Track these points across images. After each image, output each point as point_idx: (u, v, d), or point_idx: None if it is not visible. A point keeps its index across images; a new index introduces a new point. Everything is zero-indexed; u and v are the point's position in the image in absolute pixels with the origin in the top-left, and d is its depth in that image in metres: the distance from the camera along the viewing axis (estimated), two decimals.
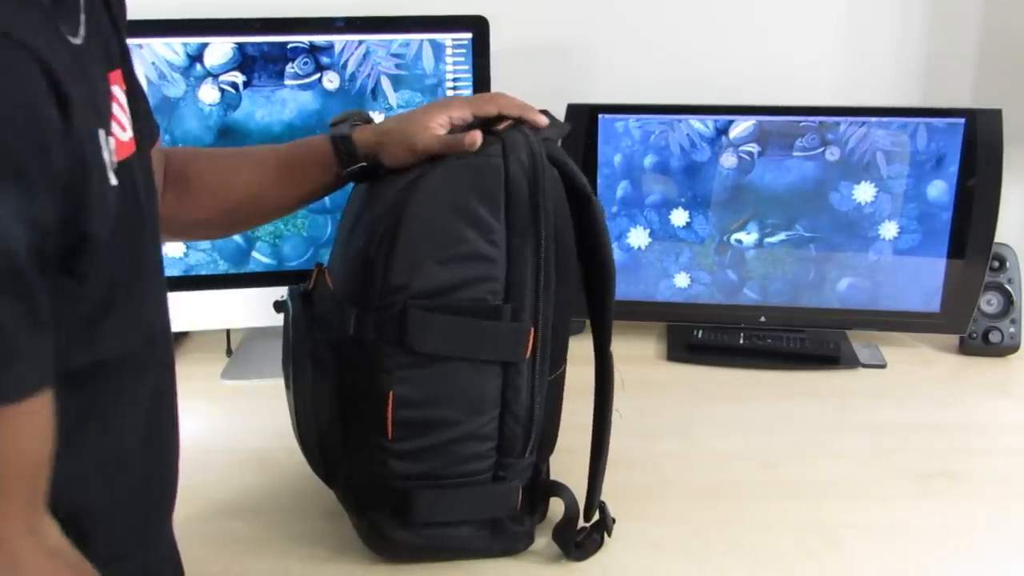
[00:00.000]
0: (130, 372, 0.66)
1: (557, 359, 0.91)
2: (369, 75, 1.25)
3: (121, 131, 0.63)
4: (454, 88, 1.27)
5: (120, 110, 0.64)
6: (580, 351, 0.94)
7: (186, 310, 1.30)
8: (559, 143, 0.90)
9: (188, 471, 1.10)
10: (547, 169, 0.84)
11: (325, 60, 1.24)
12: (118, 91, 0.65)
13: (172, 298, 1.34)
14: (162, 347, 0.74)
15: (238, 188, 0.93)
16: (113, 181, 0.59)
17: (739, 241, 1.37)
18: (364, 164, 0.90)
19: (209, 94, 1.23)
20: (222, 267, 1.29)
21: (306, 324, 0.90)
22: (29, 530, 0.55)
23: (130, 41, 1.19)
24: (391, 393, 0.85)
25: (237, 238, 1.28)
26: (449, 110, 0.87)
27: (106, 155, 0.58)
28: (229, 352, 1.39)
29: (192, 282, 1.29)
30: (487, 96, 0.89)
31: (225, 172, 0.94)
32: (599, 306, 0.90)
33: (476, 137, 0.83)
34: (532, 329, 0.85)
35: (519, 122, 0.87)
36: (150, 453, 0.72)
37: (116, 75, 0.66)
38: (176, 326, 1.35)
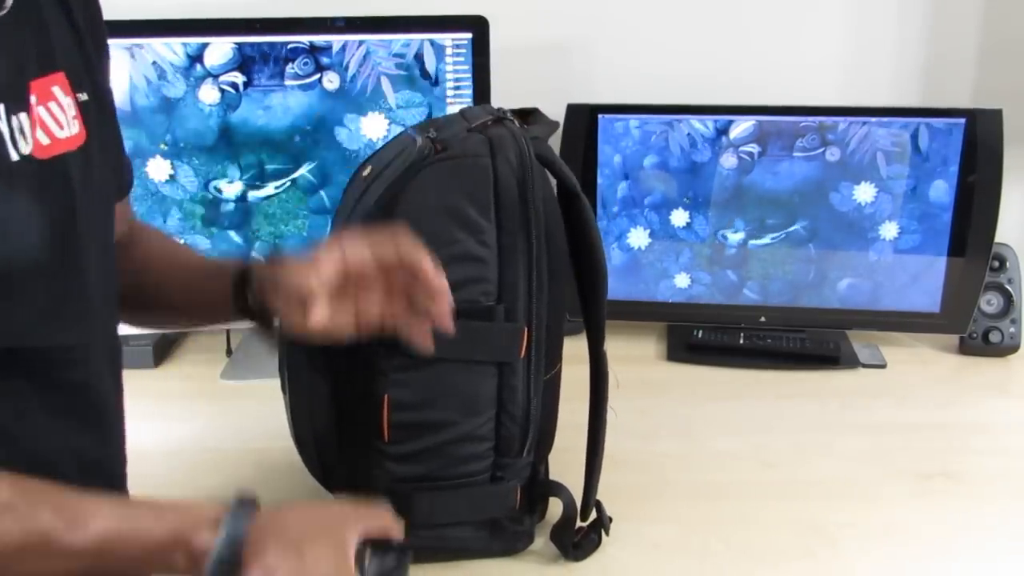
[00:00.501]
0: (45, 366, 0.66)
1: (552, 358, 0.91)
2: (369, 75, 1.25)
3: (58, 128, 0.64)
4: (453, 88, 1.27)
5: (59, 109, 0.65)
6: (577, 350, 0.94)
7: None
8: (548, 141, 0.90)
9: (188, 471, 1.11)
10: (536, 168, 0.84)
11: (325, 60, 1.24)
12: (59, 92, 0.66)
13: None
14: (83, 357, 0.70)
15: (169, 269, 0.89)
16: (13, 156, 0.61)
17: (724, 237, 1.37)
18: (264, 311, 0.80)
19: (209, 94, 1.23)
20: None
21: None
22: None
23: (130, 41, 1.20)
24: (386, 396, 0.85)
25: (237, 238, 1.28)
26: (343, 249, 0.75)
27: (3, 127, 0.60)
28: (229, 352, 1.39)
29: None
30: (386, 239, 0.76)
31: (169, 250, 0.93)
32: (592, 304, 0.90)
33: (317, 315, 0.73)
34: (526, 329, 0.85)
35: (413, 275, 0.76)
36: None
37: (56, 78, 0.66)
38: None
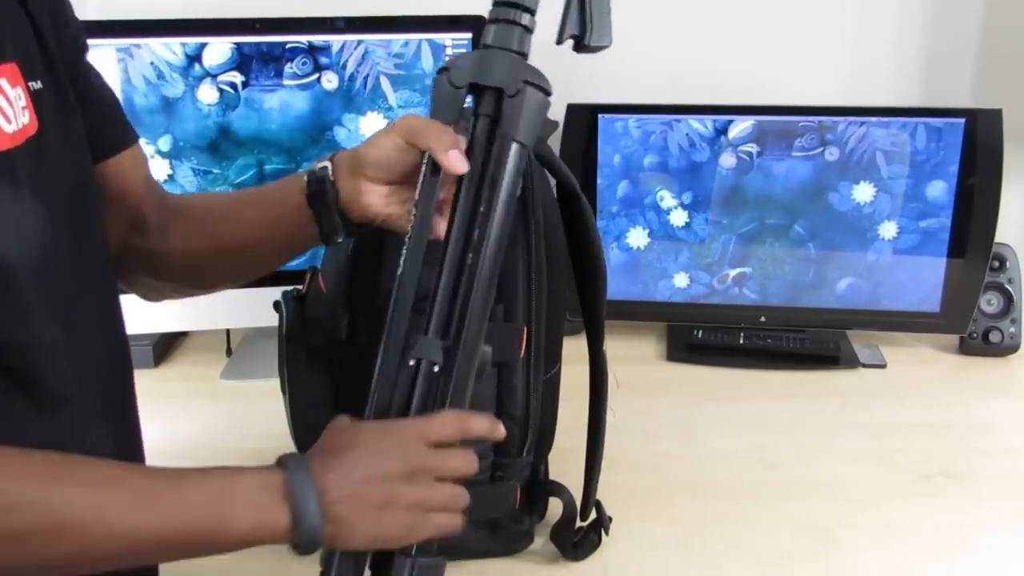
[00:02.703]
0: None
1: (552, 358, 0.91)
2: (368, 75, 1.25)
3: (5, 122, 0.62)
4: None
5: (6, 102, 0.63)
6: (576, 350, 0.94)
7: (186, 310, 1.29)
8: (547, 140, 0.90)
9: None
10: (535, 167, 0.84)
11: (324, 60, 1.24)
12: (5, 83, 0.64)
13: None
14: (48, 358, 0.66)
15: (217, 209, 0.86)
16: None
17: (724, 236, 1.37)
18: (327, 163, 0.77)
19: (208, 94, 1.23)
20: None
21: (300, 328, 0.90)
22: None
23: (128, 41, 1.20)
24: None
25: None
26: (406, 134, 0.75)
27: None
28: (229, 352, 1.39)
29: None
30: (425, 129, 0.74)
31: (209, 198, 0.93)
32: (591, 304, 0.90)
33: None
34: (525, 329, 0.85)
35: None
36: None
37: (8, 68, 0.64)
38: (176, 326, 1.37)
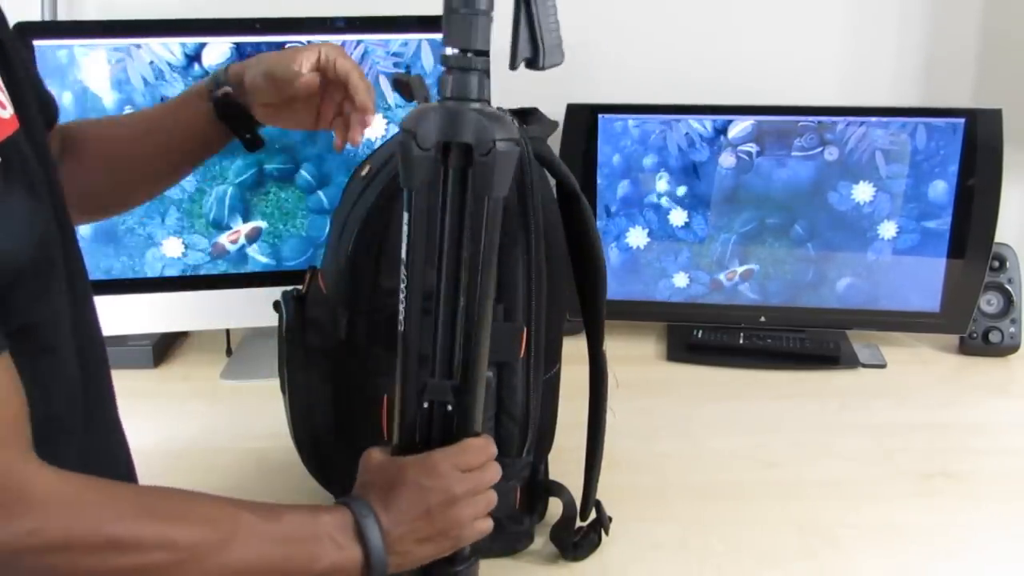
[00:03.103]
0: (48, 340, 0.66)
1: (552, 358, 0.91)
2: (367, 74, 1.25)
3: (1, 109, 0.62)
4: None
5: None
6: (576, 350, 0.94)
7: (186, 310, 1.29)
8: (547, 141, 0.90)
9: (188, 471, 1.10)
10: (535, 168, 0.84)
11: None
12: None
13: (172, 298, 1.34)
14: (80, 326, 0.71)
15: (119, 141, 0.94)
16: None
17: (723, 236, 1.37)
18: (228, 90, 0.91)
19: None
20: (221, 267, 1.29)
21: (300, 328, 0.90)
22: (28, 460, 0.58)
23: (129, 41, 1.20)
24: (385, 397, 0.85)
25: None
26: (320, 51, 0.90)
27: None
28: (229, 352, 1.39)
29: (191, 282, 1.29)
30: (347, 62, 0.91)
31: (107, 127, 0.97)
32: (591, 304, 0.90)
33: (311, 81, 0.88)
34: (525, 329, 0.85)
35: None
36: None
37: None
38: (176, 326, 1.37)
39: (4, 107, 0.62)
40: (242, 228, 1.28)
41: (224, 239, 1.28)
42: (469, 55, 0.70)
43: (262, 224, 1.29)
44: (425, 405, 0.73)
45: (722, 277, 1.39)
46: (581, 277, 0.90)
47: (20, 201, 0.61)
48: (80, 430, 0.70)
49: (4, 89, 0.64)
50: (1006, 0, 1.44)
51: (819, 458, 1.11)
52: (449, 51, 0.71)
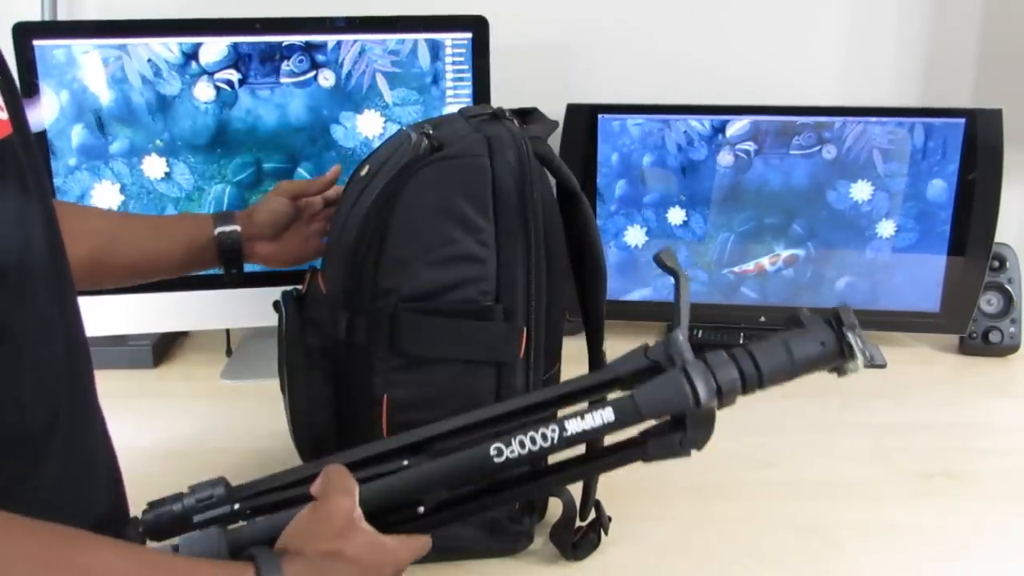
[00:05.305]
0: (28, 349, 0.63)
1: (551, 358, 0.91)
2: (364, 72, 1.25)
3: None
4: (453, 88, 1.27)
5: None
6: (576, 350, 0.93)
7: (186, 310, 1.29)
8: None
9: (188, 471, 1.10)
10: (535, 167, 0.84)
11: (320, 58, 1.24)
12: None
13: (171, 298, 1.34)
14: (60, 337, 0.68)
15: (100, 233, 0.96)
16: None
17: (722, 235, 1.37)
18: (238, 229, 1.02)
19: (205, 92, 1.23)
20: None
21: (299, 328, 0.90)
22: None
23: (129, 41, 1.20)
24: (386, 396, 0.85)
25: None
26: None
27: None
28: (229, 352, 1.39)
29: (191, 282, 1.29)
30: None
31: (92, 218, 1.00)
32: (591, 303, 0.90)
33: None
34: (524, 329, 0.85)
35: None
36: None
37: None
38: (176, 326, 1.37)
39: (2, 109, 0.62)
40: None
41: None
42: None
43: None
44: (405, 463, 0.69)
45: (765, 261, 1.38)
46: (581, 277, 0.90)
47: (11, 200, 0.60)
48: (62, 438, 0.67)
49: None
50: (1006, 0, 1.44)
51: (819, 458, 1.11)
52: None
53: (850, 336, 0.68)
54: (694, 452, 0.73)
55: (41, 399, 0.65)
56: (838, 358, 0.69)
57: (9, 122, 0.63)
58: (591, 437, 0.68)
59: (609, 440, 0.72)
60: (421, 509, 0.69)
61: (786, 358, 0.70)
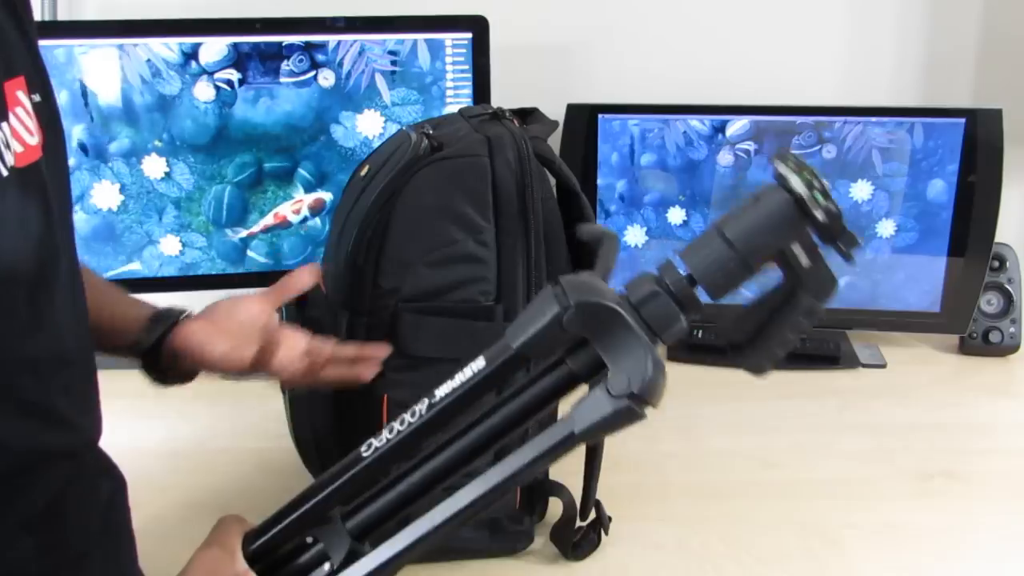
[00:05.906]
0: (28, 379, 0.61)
1: None
2: (364, 72, 1.25)
3: (28, 135, 0.61)
4: (453, 88, 1.26)
5: (26, 114, 0.62)
6: None
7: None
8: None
9: (188, 471, 1.10)
10: (535, 167, 0.84)
11: (320, 58, 1.24)
12: (22, 96, 0.63)
13: (172, 298, 1.34)
14: (78, 364, 0.67)
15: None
16: (3, 172, 0.57)
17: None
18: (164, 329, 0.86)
19: (204, 92, 1.23)
20: (219, 266, 1.29)
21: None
22: None
23: (129, 41, 1.20)
24: (386, 396, 0.85)
25: (233, 236, 1.28)
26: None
27: None
28: None
29: (190, 282, 1.29)
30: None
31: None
32: None
33: None
34: None
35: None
36: None
37: (19, 82, 0.63)
38: None
39: (32, 133, 0.62)
40: (305, 199, 1.27)
41: (287, 208, 1.28)
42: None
43: (326, 196, 1.28)
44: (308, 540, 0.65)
45: None
46: None
47: (33, 211, 0.60)
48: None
49: (33, 114, 0.63)
50: (1006, 0, 1.44)
51: (819, 458, 1.11)
52: None
53: (780, 168, 0.53)
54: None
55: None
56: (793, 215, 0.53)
57: (40, 146, 0.62)
58: (466, 391, 0.59)
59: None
60: (327, 567, 0.62)
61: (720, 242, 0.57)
